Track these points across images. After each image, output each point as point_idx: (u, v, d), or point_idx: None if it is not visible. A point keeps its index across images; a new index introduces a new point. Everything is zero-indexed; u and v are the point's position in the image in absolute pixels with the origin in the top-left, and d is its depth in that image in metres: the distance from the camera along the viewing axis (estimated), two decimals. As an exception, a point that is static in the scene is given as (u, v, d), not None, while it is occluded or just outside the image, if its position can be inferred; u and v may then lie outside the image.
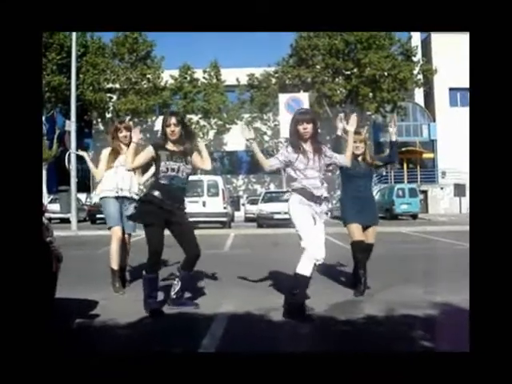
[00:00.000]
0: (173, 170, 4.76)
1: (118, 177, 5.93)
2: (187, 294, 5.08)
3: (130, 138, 5.98)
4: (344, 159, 4.84)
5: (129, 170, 5.54)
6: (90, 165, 6.28)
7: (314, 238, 4.52)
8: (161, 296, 5.10)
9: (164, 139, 4.86)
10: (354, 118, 4.95)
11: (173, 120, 4.81)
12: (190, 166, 4.91)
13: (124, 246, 6.07)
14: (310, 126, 4.62)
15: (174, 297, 4.95)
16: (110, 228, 5.98)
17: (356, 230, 5.71)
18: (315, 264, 4.53)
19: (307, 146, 4.65)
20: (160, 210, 4.71)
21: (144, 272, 4.85)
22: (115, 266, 5.87)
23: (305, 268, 4.51)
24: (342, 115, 5.40)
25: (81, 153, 6.22)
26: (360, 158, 5.80)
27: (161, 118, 5.06)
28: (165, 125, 4.84)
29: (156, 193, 4.75)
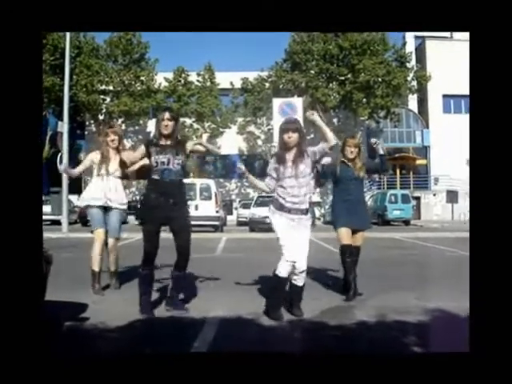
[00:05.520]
0: (162, 163, 4.79)
1: (101, 187, 5.96)
2: (180, 296, 5.06)
3: (118, 142, 6.02)
4: (324, 145, 4.65)
5: (120, 177, 5.88)
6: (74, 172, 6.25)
7: (290, 245, 4.59)
8: (156, 296, 5.07)
9: (158, 136, 4.90)
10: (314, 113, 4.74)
11: (166, 115, 4.85)
12: (182, 157, 4.88)
13: (110, 248, 6.09)
14: (294, 135, 4.65)
15: (169, 296, 5.02)
16: (92, 231, 6.04)
17: (345, 235, 5.71)
18: (295, 272, 4.62)
19: (290, 155, 4.69)
20: (152, 208, 4.75)
21: (139, 269, 4.88)
22: (96, 267, 5.90)
23: (280, 268, 4.60)
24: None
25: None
26: (351, 163, 5.79)
27: (154, 120, 5.09)
28: (159, 119, 4.89)
29: (149, 191, 4.83)
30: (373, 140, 6.03)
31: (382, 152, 5.91)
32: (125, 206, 6.14)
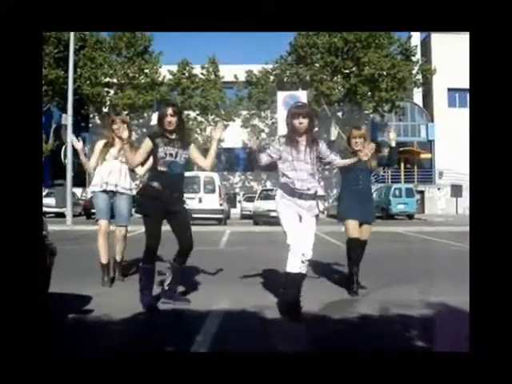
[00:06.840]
0: (171, 155, 4.74)
1: (107, 171, 5.94)
2: (179, 289, 5.05)
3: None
4: (337, 160, 4.80)
5: (131, 169, 5.80)
6: (81, 156, 6.13)
7: (297, 234, 4.47)
8: (158, 289, 5.08)
9: (161, 130, 4.83)
10: (371, 146, 5.01)
11: (169, 111, 4.78)
12: (188, 151, 4.87)
13: (118, 238, 6.11)
14: (305, 121, 4.54)
15: (166, 289, 4.95)
16: (97, 221, 6.04)
17: (353, 227, 5.67)
18: (303, 261, 4.48)
19: (301, 140, 4.58)
20: (157, 201, 4.68)
21: (141, 263, 4.85)
22: (104, 260, 5.92)
23: (291, 265, 4.47)
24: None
25: (75, 144, 6.12)
26: (359, 153, 5.73)
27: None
28: (162, 115, 4.81)
29: (154, 183, 4.74)
30: (391, 135, 5.95)
31: (393, 145, 5.91)
32: (133, 192, 6.06)
